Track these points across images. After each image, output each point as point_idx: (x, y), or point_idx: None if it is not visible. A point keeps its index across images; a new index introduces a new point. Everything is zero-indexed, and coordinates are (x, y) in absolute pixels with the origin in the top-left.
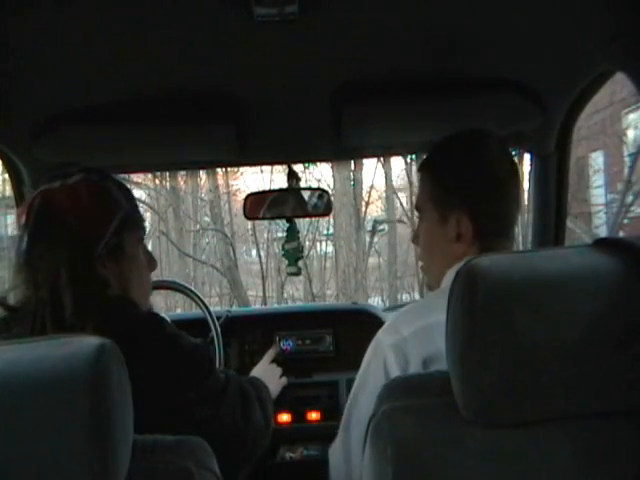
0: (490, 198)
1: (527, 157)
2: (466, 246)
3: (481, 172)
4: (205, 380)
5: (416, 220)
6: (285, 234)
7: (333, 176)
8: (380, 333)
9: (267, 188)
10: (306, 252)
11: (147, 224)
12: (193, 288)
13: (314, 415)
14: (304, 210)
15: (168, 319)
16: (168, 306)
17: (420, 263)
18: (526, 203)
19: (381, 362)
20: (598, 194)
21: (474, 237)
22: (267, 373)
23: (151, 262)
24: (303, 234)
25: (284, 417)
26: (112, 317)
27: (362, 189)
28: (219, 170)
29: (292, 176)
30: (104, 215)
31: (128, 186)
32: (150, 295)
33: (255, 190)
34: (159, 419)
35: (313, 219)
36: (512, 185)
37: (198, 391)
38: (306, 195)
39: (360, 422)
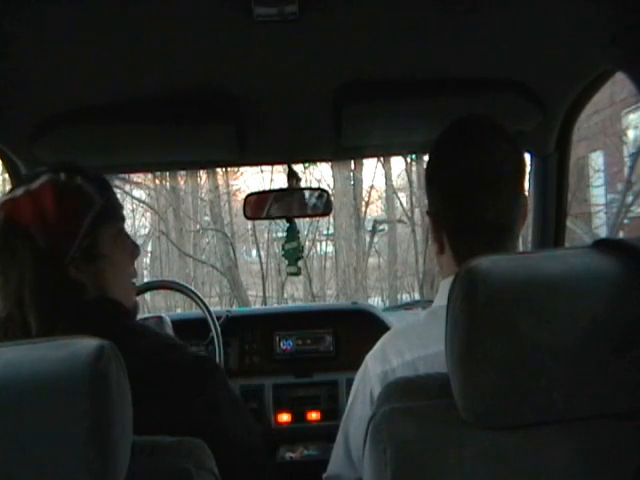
0: (463, 201)
1: (527, 157)
2: (451, 260)
3: (456, 171)
4: (198, 397)
5: (416, 220)
6: (285, 234)
7: (333, 176)
8: (369, 359)
9: (267, 188)
10: (306, 252)
11: (147, 224)
12: (193, 288)
13: (314, 415)
14: (304, 210)
15: (168, 319)
16: (168, 306)
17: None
18: None
19: (368, 393)
20: (598, 194)
21: (447, 243)
22: None
23: (134, 250)
24: (303, 234)
25: (284, 417)
26: (90, 324)
27: (362, 189)
28: (219, 170)
29: (292, 176)
30: (73, 218)
31: (128, 186)
32: (134, 291)
33: (255, 190)
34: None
35: (313, 219)
36: (506, 181)
37: (186, 412)
38: (306, 195)
39: (353, 449)
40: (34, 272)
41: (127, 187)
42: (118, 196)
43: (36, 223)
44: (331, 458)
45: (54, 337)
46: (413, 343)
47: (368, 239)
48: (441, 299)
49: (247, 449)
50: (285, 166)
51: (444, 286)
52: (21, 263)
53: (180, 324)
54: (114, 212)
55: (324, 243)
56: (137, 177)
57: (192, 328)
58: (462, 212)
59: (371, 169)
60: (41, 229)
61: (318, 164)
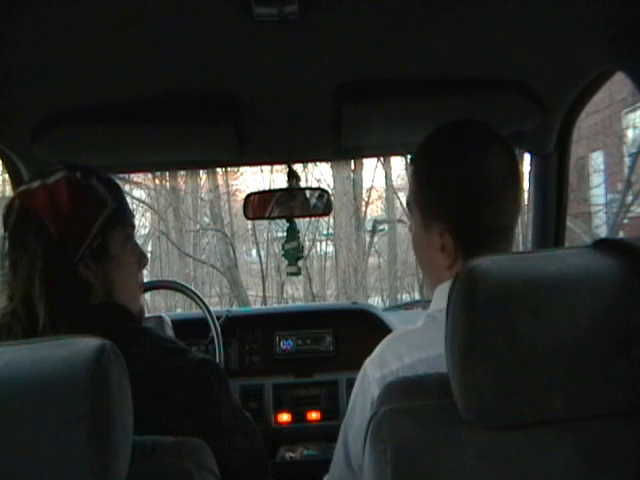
0: (479, 209)
1: (527, 157)
2: (451, 259)
3: (468, 178)
4: (203, 401)
5: None
6: (285, 234)
7: (333, 176)
8: (368, 365)
9: (267, 188)
10: (306, 252)
11: (147, 224)
12: (193, 288)
13: (314, 415)
14: (304, 210)
15: (168, 319)
16: (168, 306)
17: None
18: (526, 203)
19: (368, 399)
20: (598, 194)
21: (457, 252)
22: None
23: (142, 259)
24: (303, 234)
25: (284, 417)
26: (95, 327)
27: (362, 189)
28: (219, 170)
29: (292, 176)
30: (86, 216)
31: (128, 186)
32: (140, 296)
33: (255, 190)
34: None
35: (313, 219)
36: (509, 184)
37: (192, 415)
38: (306, 195)
39: (352, 456)
40: (45, 263)
41: (127, 187)
42: None
43: (50, 215)
44: (332, 464)
45: (55, 337)
46: (412, 346)
47: (368, 239)
48: (437, 303)
49: (248, 450)
50: (285, 166)
51: (440, 291)
52: (33, 253)
53: (180, 324)
54: (125, 216)
55: (324, 243)
56: (137, 177)
57: (192, 328)
58: (481, 219)
59: (371, 169)
60: (54, 222)
61: (318, 164)
